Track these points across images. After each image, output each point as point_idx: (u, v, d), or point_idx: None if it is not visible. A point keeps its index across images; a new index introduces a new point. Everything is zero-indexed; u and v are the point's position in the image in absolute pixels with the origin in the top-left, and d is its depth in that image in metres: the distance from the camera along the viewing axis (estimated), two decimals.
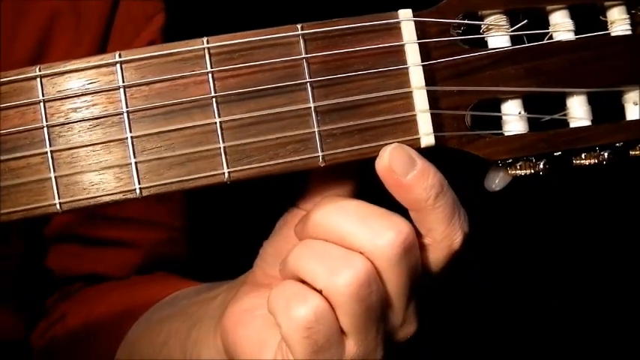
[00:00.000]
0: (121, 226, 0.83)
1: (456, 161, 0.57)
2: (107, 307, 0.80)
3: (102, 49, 0.78)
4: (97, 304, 0.81)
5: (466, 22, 0.56)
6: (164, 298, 0.77)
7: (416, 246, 0.54)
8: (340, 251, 0.53)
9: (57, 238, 0.83)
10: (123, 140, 0.52)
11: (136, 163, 0.52)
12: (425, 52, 0.55)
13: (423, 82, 0.54)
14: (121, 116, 0.52)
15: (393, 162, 0.53)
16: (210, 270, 0.78)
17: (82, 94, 0.52)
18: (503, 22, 0.57)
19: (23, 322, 0.83)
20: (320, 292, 0.53)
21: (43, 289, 0.84)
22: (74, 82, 0.52)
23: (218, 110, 0.52)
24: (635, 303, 1.52)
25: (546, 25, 0.58)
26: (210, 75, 0.52)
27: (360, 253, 0.53)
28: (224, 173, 0.52)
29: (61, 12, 0.76)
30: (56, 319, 0.83)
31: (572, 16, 0.58)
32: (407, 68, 0.54)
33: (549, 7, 0.58)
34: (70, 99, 0.52)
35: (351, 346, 0.53)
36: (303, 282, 0.53)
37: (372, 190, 0.56)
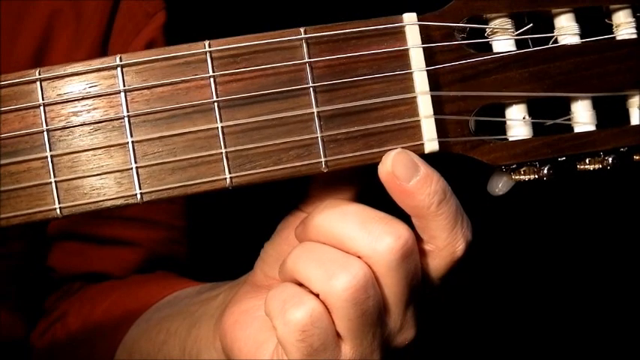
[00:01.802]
0: (121, 225, 0.83)
1: (459, 165, 0.57)
2: (107, 307, 0.80)
3: (103, 46, 0.77)
4: (97, 303, 0.81)
5: (471, 25, 0.56)
6: (164, 298, 0.77)
7: (415, 252, 0.53)
8: (338, 255, 0.52)
9: (58, 237, 0.82)
10: (124, 145, 0.51)
11: (136, 167, 0.51)
12: (429, 56, 0.54)
13: (427, 87, 0.54)
14: (122, 120, 0.51)
15: (395, 167, 0.52)
16: (210, 270, 0.77)
17: (83, 98, 0.51)
18: (508, 26, 0.56)
19: (24, 321, 0.82)
20: (317, 295, 0.52)
21: (44, 289, 0.84)
22: (74, 86, 0.51)
23: (220, 115, 0.52)
24: (635, 305, 1.52)
25: (551, 28, 0.57)
26: (212, 79, 0.52)
27: (359, 257, 0.52)
28: (226, 179, 0.52)
29: (62, 10, 0.76)
30: (56, 318, 0.83)
31: (578, 20, 0.58)
32: (411, 73, 0.54)
33: (555, 11, 0.57)
34: (71, 103, 0.51)
35: (346, 350, 0.53)
36: (301, 285, 0.53)
37: (375, 195, 0.56)
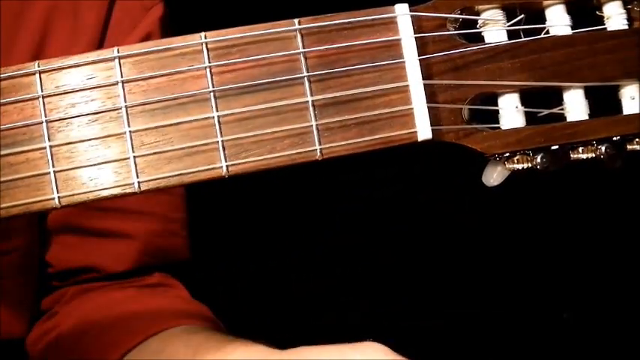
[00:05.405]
0: (116, 218, 0.82)
1: (454, 159, 0.57)
2: (101, 328, 0.79)
3: (100, 42, 0.78)
4: (92, 321, 0.80)
5: (463, 16, 0.56)
6: (155, 335, 0.76)
7: None
8: None
9: (56, 230, 0.82)
10: (121, 135, 0.52)
11: (134, 157, 0.52)
12: (422, 46, 0.55)
13: (419, 76, 0.55)
14: (120, 111, 0.52)
15: None
16: (209, 267, 0.78)
17: (81, 90, 0.52)
18: (500, 17, 0.57)
19: (24, 320, 0.82)
20: None
21: (43, 286, 0.84)
22: (73, 78, 0.52)
23: (216, 104, 0.53)
24: (635, 304, 1.52)
25: (543, 20, 0.58)
26: (207, 70, 0.53)
27: None
28: (222, 167, 0.52)
29: (59, 7, 0.77)
30: (51, 327, 0.82)
31: (569, 11, 0.58)
32: (403, 62, 0.55)
33: (546, 3, 0.58)
34: (69, 94, 0.52)
35: None
36: None
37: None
